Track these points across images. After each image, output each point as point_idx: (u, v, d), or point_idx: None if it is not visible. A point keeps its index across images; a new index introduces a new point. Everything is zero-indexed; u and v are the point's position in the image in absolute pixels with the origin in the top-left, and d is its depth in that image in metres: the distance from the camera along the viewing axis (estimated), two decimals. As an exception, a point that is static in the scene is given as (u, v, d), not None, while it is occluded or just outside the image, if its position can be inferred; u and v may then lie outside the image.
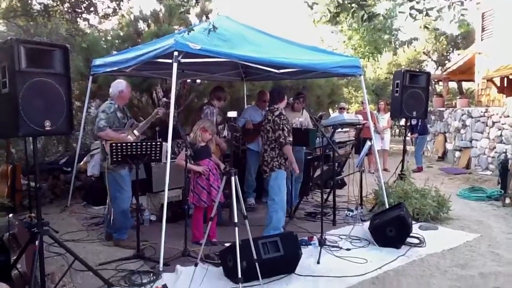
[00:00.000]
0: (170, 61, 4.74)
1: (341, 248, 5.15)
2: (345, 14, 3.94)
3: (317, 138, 6.34)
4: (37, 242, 3.59)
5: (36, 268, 3.55)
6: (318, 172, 7.15)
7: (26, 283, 3.60)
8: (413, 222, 5.69)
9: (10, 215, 4.43)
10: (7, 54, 3.38)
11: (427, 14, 3.43)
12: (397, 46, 25.05)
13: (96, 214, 6.57)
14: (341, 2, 3.73)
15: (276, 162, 5.18)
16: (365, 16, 3.65)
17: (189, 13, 5.54)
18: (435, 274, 4.43)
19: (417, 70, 16.56)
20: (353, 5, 3.66)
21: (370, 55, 24.84)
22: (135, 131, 5.27)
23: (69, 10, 8.16)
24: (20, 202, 6.33)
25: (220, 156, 6.16)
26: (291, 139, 5.16)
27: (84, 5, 8.01)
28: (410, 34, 34.64)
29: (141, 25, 9.38)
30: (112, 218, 5.19)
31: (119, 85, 5.23)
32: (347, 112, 11.72)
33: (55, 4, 8.13)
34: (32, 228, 3.72)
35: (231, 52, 5.05)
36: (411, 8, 3.43)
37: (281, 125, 5.15)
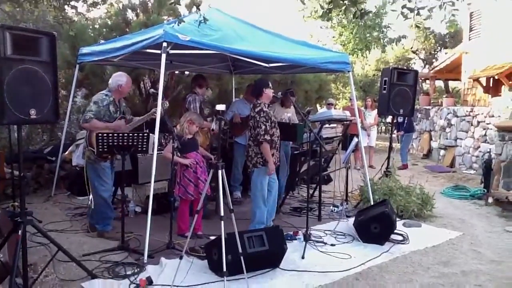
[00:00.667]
0: (158, 51, 4.70)
1: (326, 243, 5.17)
2: (337, 10, 3.94)
3: (305, 133, 6.35)
4: (20, 232, 3.54)
5: (18, 257, 3.50)
6: (304, 167, 7.18)
7: (8, 272, 3.55)
8: (397, 219, 5.74)
9: (-7, 203, 4.37)
10: (-8, 40, 3.31)
11: (418, 13, 3.44)
12: (386, 44, 25.15)
13: (80, 204, 6.52)
14: (333, -2, 3.73)
15: (259, 159, 5.13)
16: (357, 13, 3.66)
17: (179, 4, 5.49)
18: (417, 271, 4.47)
19: (405, 68, 16.68)
20: (345, 1, 3.66)
21: (359, 51, 24.90)
22: (128, 126, 5.23)
23: (57, -3, 8.05)
24: (3, 191, 6.25)
25: (208, 146, 6.15)
26: (269, 137, 5.05)
27: (73, -8, 7.91)
28: (399, 31, 34.89)
29: (130, 14, 9.28)
30: (93, 208, 5.15)
31: (120, 78, 5.09)
32: (335, 108, 11.77)
33: (42, -9, 8.01)
34: (15, 217, 3.66)
35: (220, 44, 5.02)
36: (403, 6, 3.44)
37: (260, 123, 5.03)
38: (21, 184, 3.78)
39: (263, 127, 5.02)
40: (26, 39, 3.53)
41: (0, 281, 3.42)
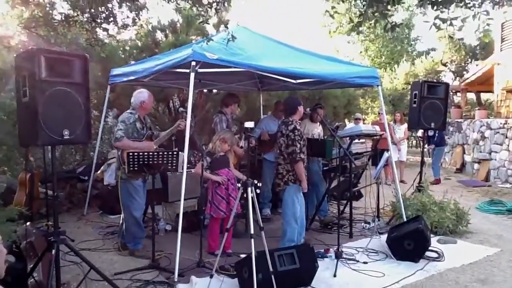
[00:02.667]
0: (187, 71, 4.76)
1: (358, 261, 5.07)
2: (367, 23, 3.92)
3: (334, 149, 6.29)
4: (53, 251, 3.60)
5: (52, 277, 3.56)
6: (334, 184, 7.10)
7: (42, 291, 3.60)
8: (432, 235, 5.59)
9: (28, 223, 4.46)
10: (28, 63, 3.43)
11: (451, 24, 3.38)
12: (415, 57, 24.84)
13: (112, 223, 6.60)
14: (363, 11, 3.70)
15: (291, 176, 5.09)
16: (388, 26, 3.62)
17: (208, 23, 5.55)
18: (454, 290, 4.33)
19: (435, 80, 16.42)
20: (375, 14, 3.63)
21: (387, 65, 24.67)
22: (155, 141, 5.30)
23: (89, 20, 8.24)
24: (37, 210, 6.36)
25: (237, 164, 6.15)
26: (303, 156, 5.02)
27: (104, 15, 8.08)
28: (428, 44, 34.46)
29: (159, 35, 9.49)
30: (124, 227, 5.21)
31: (140, 95, 5.22)
32: (363, 123, 11.64)
33: (75, 14, 8.23)
34: (49, 237, 3.73)
35: (247, 62, 5.06)
36: (436, 17, 3.38)
37: (295, 141, 4.99)
38: (54, 204, 3.85)
39: (299, 145, 4.97)
40: (60, 61, 3.63)
41: (34, 300, 3.47)
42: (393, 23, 3.66)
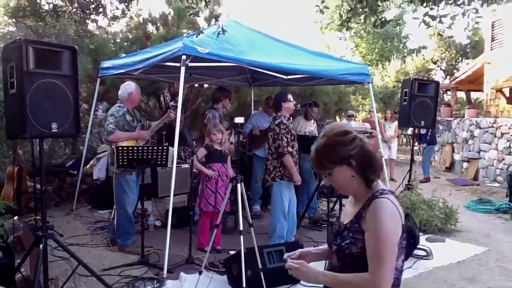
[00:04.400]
0: (178, 64, 4.73)
1: (347, 258, 5.07)
2: (356, 19, 3.90)
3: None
4: (41, 246, 3.55)
5: (39, 272, 3.51)
6: (324, 181, 7.09)
7: (30, 287, 3.56)
8: (420, 233, 5.61)
9: (15, 217, 4.40)
10: (15, 54, 3.35)
11: (440, 21, 3.37)
12: (405, 54, 24.95)
13: (101, 218, 6.54)
14: (353, 6, 3.69)
15: (278, 172, 5.08)
16: (378, 22, 3.61)
17: (199, 16, 5.50)
18: (442, 288, 4.35)
19: (426, 79, 16.49)
20: (365, 10, 3.62)
21: (378, 62, 24.75)
22: (148, 132, 5.27)
23: (78, 11, 8.13)
24: (25, 204, 6.29)
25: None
26: (291, 149, 5.01)
27: (93, 6, 7.98)
28: (418, 42, 34.61)
29: (150, 27, 9.38)
30: (115, 223, 5.17)
31: (128, 87, 5.21)
32: (355, 120, 11.67)
33: (64, 5, 8.11)
34: (37, 231, 3.68)
35: (238, 57, 5.03)
36: (425, 14, 3.38)
37: (280, 135, 4.99)
38: (42, 198, 3.80)
39: (285, 139, 4.96)
40: (49, 53, 3.56)
41: (21, 295, 3.43)
42: (383, 19, 3.65)
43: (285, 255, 2.05)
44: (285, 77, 6.73)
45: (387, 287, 1.73)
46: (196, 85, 8.77)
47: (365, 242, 1.78)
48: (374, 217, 1.76)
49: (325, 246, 2.11)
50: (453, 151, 13.07)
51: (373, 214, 1.77)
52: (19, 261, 3.74)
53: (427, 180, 10.71)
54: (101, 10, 8.32)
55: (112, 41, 9.52)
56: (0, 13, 7.69)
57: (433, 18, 3.40)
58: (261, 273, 3.81)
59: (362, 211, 1.84)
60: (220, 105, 6.44)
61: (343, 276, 1.84)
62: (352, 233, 1.85)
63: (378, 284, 1.71)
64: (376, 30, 21.08)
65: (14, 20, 7.89)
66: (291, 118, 5.30)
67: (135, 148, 4.66)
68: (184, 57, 4.57)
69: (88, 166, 7.36)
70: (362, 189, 1.89)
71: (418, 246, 5.22)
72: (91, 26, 9.17)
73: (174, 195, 4.56)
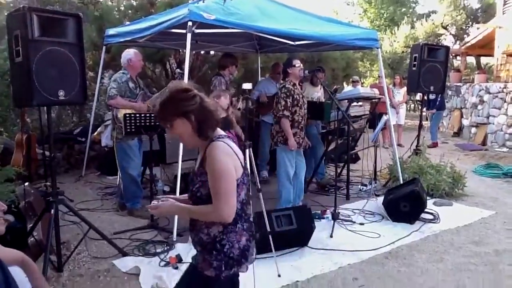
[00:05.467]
0: (184, 31, 4.67)
1: (354, 222, 5.14)
2: None
3: (332, 112, 6.26)
4: (52, 211, 3.62)
5: (51, 236, 3.60)
6: (332, 146, 7.10)
7: (42, 250, 3.65)
8: (428, 198, 5.65)
9: (26, 183, 4.46)
10: (20, 22, 3.35)
11: None
12: (415, 19, 24.43)
13: (110, 184, 6.64)
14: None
15: (280, 137, 5.10)
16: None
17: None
18: (449, 250, 4.40)
19: (435, 44, 16.21)
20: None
21: (387, 28, 24.30)
22: (147, 102, 5.26)
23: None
24: (35, 171, 6.37)
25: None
26: (287, 113, 4.99)
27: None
28: (428, 7, 33.85)
29: (155, -6, 9.24)
30: (122, 187, 5.24)
31: (126, 54, 5.22)
32: (361, 86, 11.56)
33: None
34: (48, 197, 3.76)
35: (245, 23, 4.95)
36: None
37: (280, 98, 5.01)
38: (51, 165, 3.86)
39: (283, 102, 4.98)
40: (53, 20, 3.55)
41: (35, 258, 3.51)
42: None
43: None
44: (292, 43, 6.65)
45: (227, 216, 2.02)
46: (202, 52, 8.71)
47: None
48: (211, 156, 2.03)
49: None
50: (461, 116, 12.97)
51: (210, 154, 2.04)
52: (31, 225, 3.83)
53: (435, 145, 10.69)
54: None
55: (116, 8, 9.41)
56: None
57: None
58: (270, 236, 3.87)
59: (204, 155, 2.09)
60: (227, 71, 6.39)
61: (194, 208, 2.13)
62: (199, 177, 2.11)
63: (219, 213, 2.01)
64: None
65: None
66: (297, 84, 5.23)
67: (142, 115, 4.67)
68: (190, 23, 4.51)
69: (95, 133, 7.42)
70: (202, 141, 2.14)
71: (425, 210, 5.27)
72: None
73: (183, 161, 4.58)
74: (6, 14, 3.80)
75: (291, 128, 5.02)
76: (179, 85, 2.17)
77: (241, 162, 2.14)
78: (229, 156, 2.06)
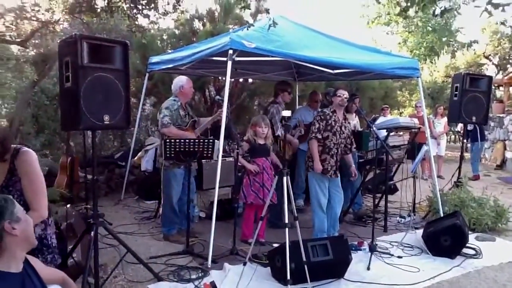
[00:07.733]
0: (224, 59, 4.76)
1: (392, 255, 5.00)
2: (415, 8, 3.78)
3: (370, 141, 6.19)
4: (92, 233, 3.69)
5: (90, 258, 3.66)
6: (370, 176, 7.00)
7: (81, 271, 3.71)
8: (470, 232, 5.45)
9: (68, 205, 4.59)
10: (71, 49, 3.48)
11: (503, 10, 3.22)
12: (456, 49, 24.08)
13: (147, 208, 6.73)
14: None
15: (310, 162, 5.11)
16: (438, 10, 3.49)
17: (249, 8, 5.53)
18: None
19: (478, 73, 15.89)
20: (424, -1, 3.49)
21: (427, 57, 24.01)
22: (196, 131, 5.35)
23: (131, 6, 8.40)
24: (77, 194, 6.55)
25: (291, 154, 6.14)
26: (319, 136, 5.03)
27: (145, 1, 8.22)
28: (470, 36, 33.30)
29: (197, 24, 9.51)
30: (161, 212, 5.31)
31: (178, 81, 5.31)
32: (390, 113, 11.39)
33: (117, 0, 8.40)
34: (88, 219, 3.84)
35: (285, 51, 5.01)
36: (488, 2, 3.22)
37: (314, 121, 5.13)
38: (94, 187, 3.95)
39: (316, 125, 5.04)
40: (102, 48, 3.68)
41: (73, 279, 3.57)
42: (442, 8, 3.53)
43: None
44: (331, 71, 6.66)
45: (46, 213, 2.32)
46: (241, 80, 8.84)
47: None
48: (24, 163, 2.19)
49: None
50: (505, 148, 12.57)
51: (22, 161, 2.20)
52: (71, 246, 3.91)
53: (476, 178, 10.35)
54: (152, 5, 8.53)
55: (159, 37, 9.72)
56: (59, 10, 8.02)
57: (496, 6, 3.24)
58: (305, 266, 3.82)
59: (12, 165, 2.24)
60: (280, 98, 6.46)
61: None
62: (13, 187, 2.26)
63: (43, 213, 2.25)
64: (426, 24, 20.35)
65: (70, 16, 8.21)
66: (337, 112, 5.22)
67: (182, 140, 4.75)
68: (231, 51, 4.60)
69: (136, 158, 7.58)
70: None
71: (467, 245, 5.08)
72: (143, 22, 9.41)
73: (219, 187, 4.61)
74: (58, 41, 3.99)
75: (321, 153, 5.02)
76: None
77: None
78: (38, 161, 2.42)
